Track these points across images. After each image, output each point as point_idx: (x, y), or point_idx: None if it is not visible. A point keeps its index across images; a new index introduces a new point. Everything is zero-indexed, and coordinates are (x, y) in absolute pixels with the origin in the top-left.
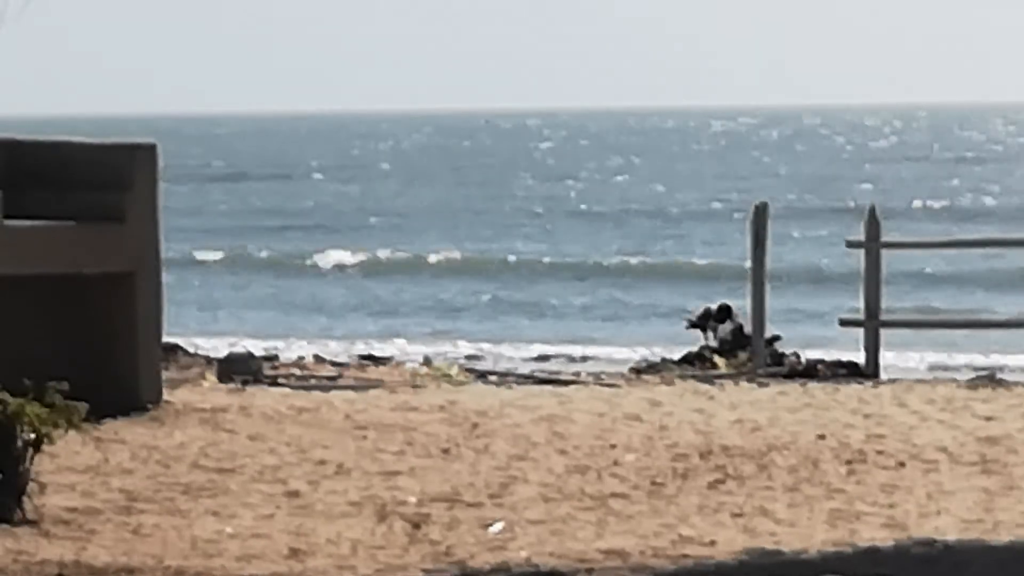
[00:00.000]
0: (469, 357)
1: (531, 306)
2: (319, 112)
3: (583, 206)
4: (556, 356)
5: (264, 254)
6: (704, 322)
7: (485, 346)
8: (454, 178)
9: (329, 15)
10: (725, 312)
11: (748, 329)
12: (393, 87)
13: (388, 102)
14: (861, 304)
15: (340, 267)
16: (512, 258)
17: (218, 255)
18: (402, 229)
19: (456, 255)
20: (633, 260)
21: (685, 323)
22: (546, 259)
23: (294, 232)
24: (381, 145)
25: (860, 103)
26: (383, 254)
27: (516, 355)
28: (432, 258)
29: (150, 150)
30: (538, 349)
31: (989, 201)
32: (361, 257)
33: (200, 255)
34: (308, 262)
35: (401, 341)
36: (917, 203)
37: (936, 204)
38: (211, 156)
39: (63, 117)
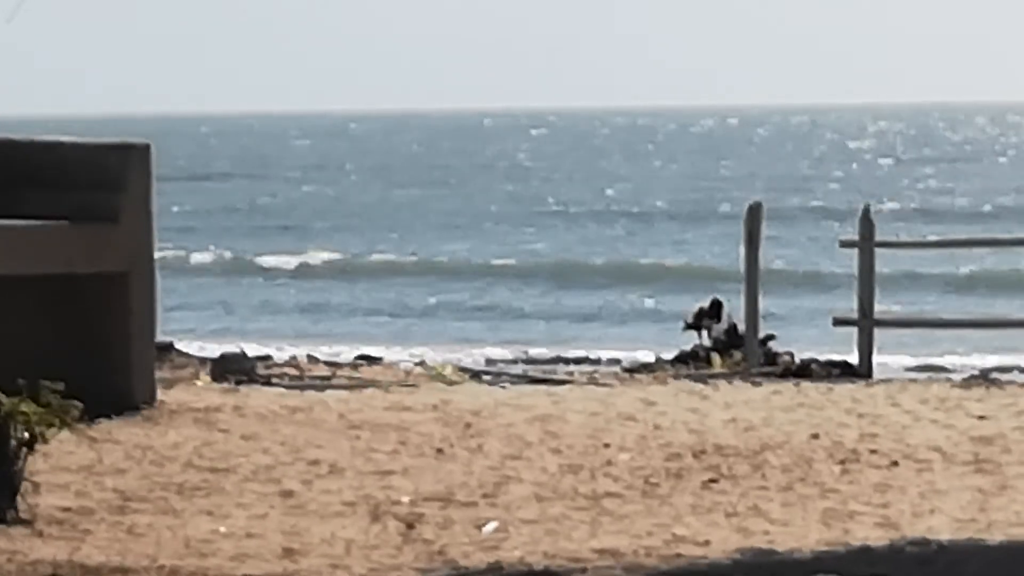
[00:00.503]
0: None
1: (501, 309)
2: (311, 112)
3: (556, 206)
4: (537, 358)
5: (213, 255)
6: (699, 322)
7: (465, 348)
8: (434, 178)
9: (325, 15)
10: (717, 307)
11: (742, 328)
12: (389, 88)
13: (384, 103)
14: (839, 304)
15: (301, 268)
16: (479, 260)
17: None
18: (370, 230)
19: (429, 256)
20: (609, 261)
21: (682, 324)
22: (515, 260)
23: (255, 233)
24: (369, 144)
25: (850, 103)
26: (349, 256)
27: (495, 357)
28: (403, 260)
29: (144, 150)
30: (506, 352)
31: (960, 201)
32: (327, 257)
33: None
34: (265, 264)
35: (379, 343)
36: (886, 204)
37: (901, 205)
38: (192, 156)
39: (61, 117)
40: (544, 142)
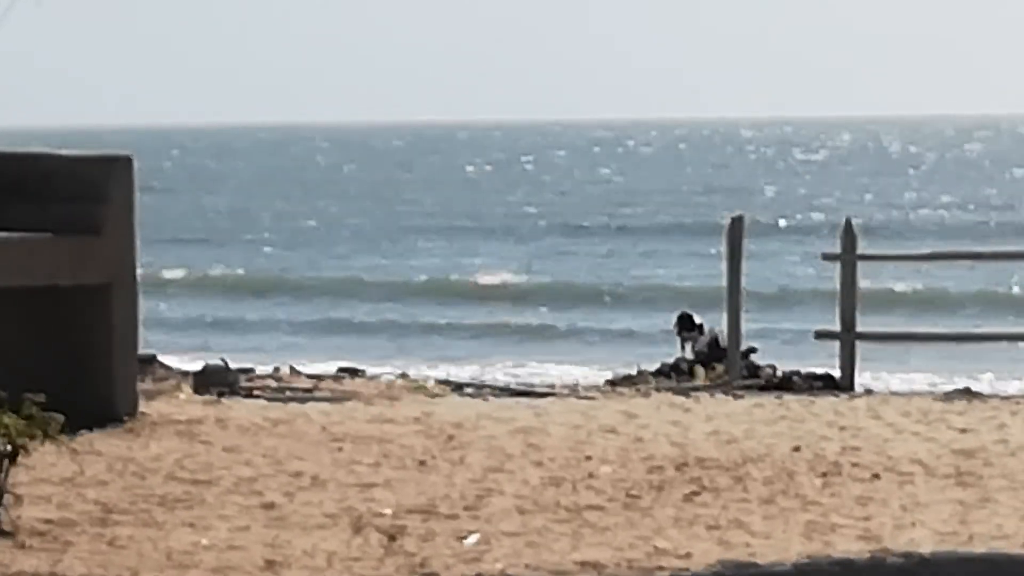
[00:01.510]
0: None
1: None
2: (288, 123)
3: (491, 222)
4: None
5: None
6: (681, 334)
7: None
8: (383, 193)
9: (322, 23)
10: (689, 320)
11: (724, 341)
12: (381, 95)
13: (377, 113)
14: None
15: (196, 281)
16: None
17: None
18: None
19: (356, 274)
20: (542, 280)
21: (677, 333)
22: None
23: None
24: (335, 158)
25: (829, 115)
26: (274, 272)
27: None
28: (338, 276)
29: (127, 163)
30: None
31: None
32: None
33: None
34: (165, 275)
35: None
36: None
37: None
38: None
39: (38, 130)
40: (503, 156)
